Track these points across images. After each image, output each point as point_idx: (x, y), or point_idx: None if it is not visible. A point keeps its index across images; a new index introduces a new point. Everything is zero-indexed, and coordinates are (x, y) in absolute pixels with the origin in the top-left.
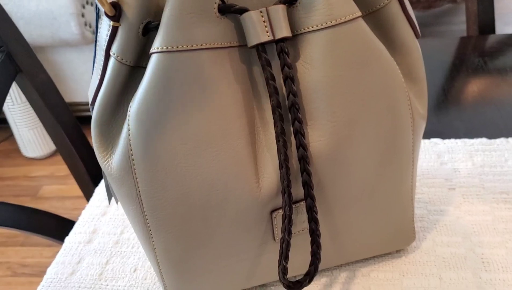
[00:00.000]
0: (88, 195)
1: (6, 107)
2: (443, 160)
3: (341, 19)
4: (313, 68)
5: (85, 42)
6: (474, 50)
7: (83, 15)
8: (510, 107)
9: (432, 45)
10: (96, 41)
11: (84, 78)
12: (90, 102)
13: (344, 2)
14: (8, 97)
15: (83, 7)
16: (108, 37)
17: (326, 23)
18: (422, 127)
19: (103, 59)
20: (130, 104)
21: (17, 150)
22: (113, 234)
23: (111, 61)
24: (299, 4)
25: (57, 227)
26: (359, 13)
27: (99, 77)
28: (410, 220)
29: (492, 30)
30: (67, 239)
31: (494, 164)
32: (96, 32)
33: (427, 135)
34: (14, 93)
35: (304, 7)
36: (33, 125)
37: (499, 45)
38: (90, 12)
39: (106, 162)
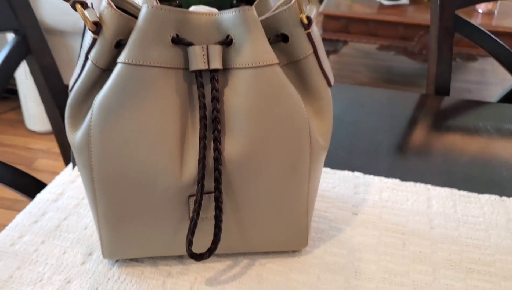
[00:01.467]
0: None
1: (19, 80)
2: (357, 191)
3: (261, 63)
4: (236, 95)
5: None
6: (428, 107)
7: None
8: (433, 158)
9: (396, 97)
10: (81, 44)
11: None
12: (69, 89)
13: (265, 51)
14: (22, 72)
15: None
16: (89, 44)
17: (249, 64)
18: (322, 155)
19: (83, 60)
20: (96, 96)
21: (21, 121)
22: (76, 198)
23: (88, 63)
24: (232, 46)
25: (36, 188)
26: (276, 61)
27: (78, 72)
28: (304, 228)
29: (447, 92)
30: (38, 195)
31: (397, 201)
32: (82, 37)
33: (352, 168)
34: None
35: (235, 49)
36: (40, 100)
37: (448, 107)
38: None
39: (72, 135)
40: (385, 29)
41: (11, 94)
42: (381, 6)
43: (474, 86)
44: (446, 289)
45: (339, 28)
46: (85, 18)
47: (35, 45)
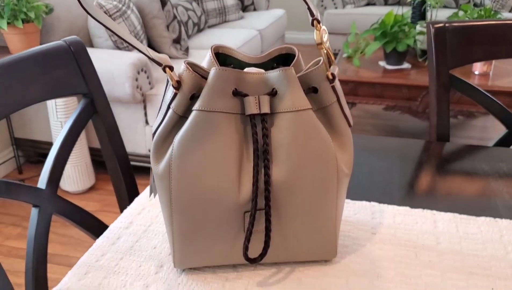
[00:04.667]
0: (123, 208)
1: None
2: (374, 216)
3: (298, 108)
4: (280, 132)
5: (134, 101)
6: (431, 151)
7: (137, 80)
8: (437, 192)
9: (403, 143)
10: (163, 97)
11: (125, 131)
12: (153, 132)
13: (302, 99)
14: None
15: (138, 73)
16: (171, 97)
17: (290, 109)
18: (346, 181)
19: (166, 109)
20: (176, 136)
21: None
22: (143, 225)
23: (170, 111)
24: (277, 96)
25: (99, 229)
26: (310, 106)
27: (161, 118)
28: (333, 242)
29: (447, 139)
30: (111, 224)
31: (408, 223)
32: (164, 92)
33: (369, 199)
34: None
35: (279, 98)
36: (76, 163)
37: (449, 151)
38: (142, 78)
39: (156, 166)
40: (390, 91)
41: (44, 157)
42: (385, 71)
43: (476, 142)
44: (452, 287)
45: (348, 92)
46: (172, 77)
47: (100, 107)
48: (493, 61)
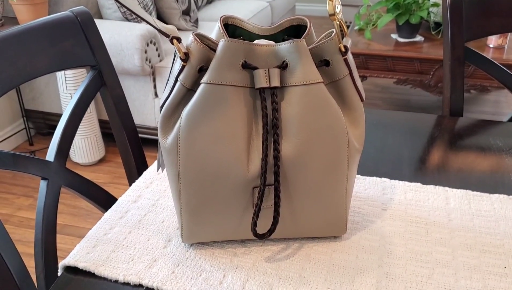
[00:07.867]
0: (132, 182)
1: None
2: (385, 192)
3: (309, 81)
4: (291, 106)
5: (143, 73)
6: (444, 126)
7: (146, 52)
8: (450, 168)
9: (415, 118)
10: (171, 70)
11: (135, 103)
12: (160, 105)
13: (313, 73)
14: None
15: (147, 45)
16: (179, 70)
17: (301, 82)
18: (357, 156)
19: (173, 82)
20: (184, 109)
21: None
22: (152, 199)
23: (178, 84)
24: (287, 69)
25: (107, 201)
26: (321, 80)
27: (169, 91)
28: (343, 217)
29: (461, 114)
30: (120, 198)
31: (419, 200)
32: (172, 65)
33: (380, 175)
34: None
35: (290, 71)
36: (86, 135)
37: (462, 126)
38: (151, 50)
39: (163, 140)
40: (402, 65)
41: (55, 129)
42: (397, 43)
43: (489, 117)
44: (463, 265)
45: (358, 65)
46: (179, 49)
47: (108, 79)
48: (508, 34)
